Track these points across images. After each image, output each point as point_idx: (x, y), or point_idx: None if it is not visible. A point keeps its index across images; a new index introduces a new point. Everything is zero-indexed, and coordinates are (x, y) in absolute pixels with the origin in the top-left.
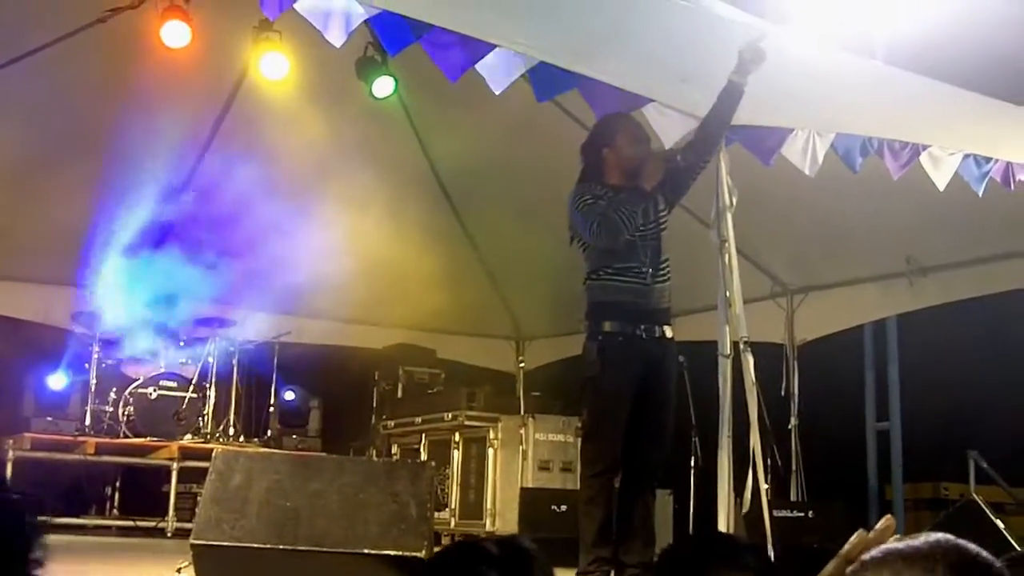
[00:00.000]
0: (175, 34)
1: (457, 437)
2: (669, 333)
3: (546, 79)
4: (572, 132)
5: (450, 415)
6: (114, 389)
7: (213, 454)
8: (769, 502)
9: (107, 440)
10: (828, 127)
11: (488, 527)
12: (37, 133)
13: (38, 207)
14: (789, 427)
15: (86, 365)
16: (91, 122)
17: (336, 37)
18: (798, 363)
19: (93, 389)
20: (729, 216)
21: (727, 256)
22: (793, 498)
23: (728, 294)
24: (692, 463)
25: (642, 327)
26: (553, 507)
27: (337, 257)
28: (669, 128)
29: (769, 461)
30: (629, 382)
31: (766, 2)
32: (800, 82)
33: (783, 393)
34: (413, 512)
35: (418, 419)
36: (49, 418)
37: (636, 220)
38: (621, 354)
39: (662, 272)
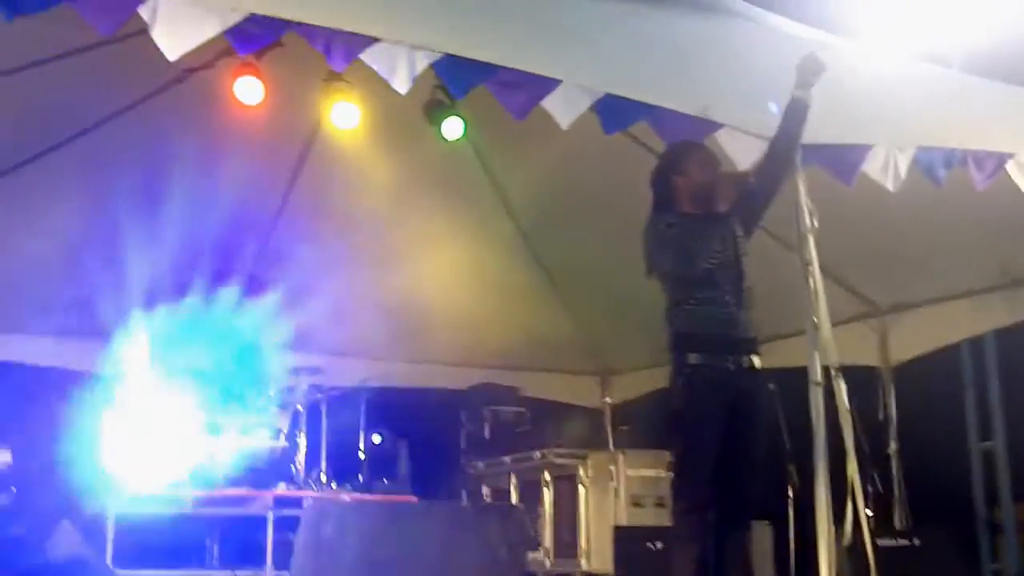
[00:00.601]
0: (249, 91)
1: (547, 475)
2: (757, 363)
3: (614, 111)
4: (647, 159)
5: (539, 454)
6: (207, 441)
7: (303, 504)
8: (872, 531)
9: (204, 492)
10: (908, 141)
11: (584, 567)
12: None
13: (122, 265)
14: (888, 452)
15: (178, 419)
16: (171, 180)
17: (401, 84)
18: (894, 385)
19: (187, 442)
20: (811, 238)
21: (812, 280)
22: (897, 526)
23: (815, 319)
24: (790, 493)
25: (730, 358)
26: (648, 544)
27: (416, 300)
28: (742, 152)
29: (870, 489)
30: (717, 415)
31: (837, 18)
32: (877, 97)
33: (881, 417)
34: (504, 555)
35: (507, 459)
36: None
37: (712, 246)
38: (708, 387)
39: (745, 300)
